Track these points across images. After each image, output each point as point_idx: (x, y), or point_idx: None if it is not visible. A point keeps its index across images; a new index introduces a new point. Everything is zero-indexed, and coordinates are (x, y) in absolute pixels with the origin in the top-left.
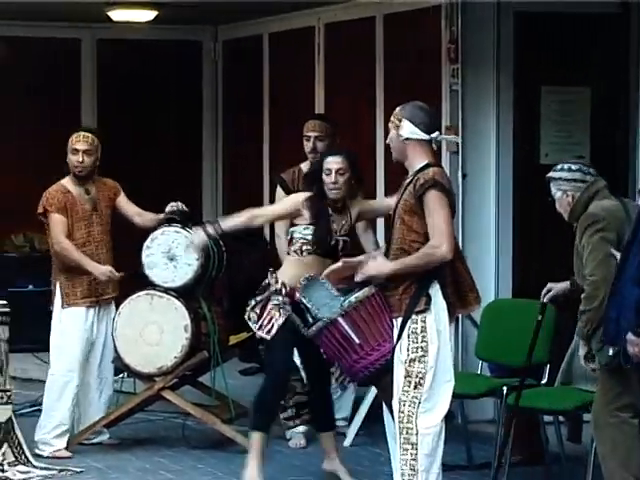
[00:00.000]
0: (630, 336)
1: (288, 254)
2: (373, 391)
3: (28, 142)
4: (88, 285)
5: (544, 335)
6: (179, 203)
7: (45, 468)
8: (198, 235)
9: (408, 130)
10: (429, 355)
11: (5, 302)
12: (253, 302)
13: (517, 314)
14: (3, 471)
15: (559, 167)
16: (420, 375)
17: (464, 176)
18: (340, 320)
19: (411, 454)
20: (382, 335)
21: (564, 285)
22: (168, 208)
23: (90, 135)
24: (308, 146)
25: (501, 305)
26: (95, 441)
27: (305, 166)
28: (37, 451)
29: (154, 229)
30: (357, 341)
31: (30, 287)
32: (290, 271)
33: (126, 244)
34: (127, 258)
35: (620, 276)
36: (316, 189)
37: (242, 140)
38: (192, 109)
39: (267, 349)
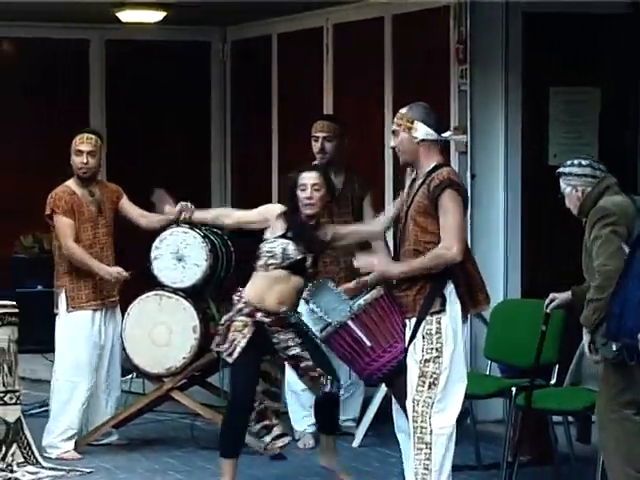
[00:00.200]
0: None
1: (255, 270)
2: (381, 392)
3: (36, 143)
4: (93, 288)
5: (553, 336)
6: (188, 203)
7: (54, 468)
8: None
9: (423, 131)
10: (444, 356)
11: (14, 303)
12: (222, 321)
13: (526, 314)
14: (12, 471)
15: (569, 162)
16: (434, 375)
17: (473, 176)
18: (350, 323)
19: (425, 454)
20: (393, 336)
21: (566, 295)
22: (177, 208)
23: (94, 136)
24: (316, 146)
25: (510, 305)
26: (104, 442)
27: None
28: (45, 454)
29: (162, 230)
30: (368, 344)
31: (39, 288)
32: (257, 287)
33: (132, 246)
34: (133, 260)
35: (625, 273)
36: (290, 205)
37: (251, 140)
38: (201, 110)
39: (230, 373)
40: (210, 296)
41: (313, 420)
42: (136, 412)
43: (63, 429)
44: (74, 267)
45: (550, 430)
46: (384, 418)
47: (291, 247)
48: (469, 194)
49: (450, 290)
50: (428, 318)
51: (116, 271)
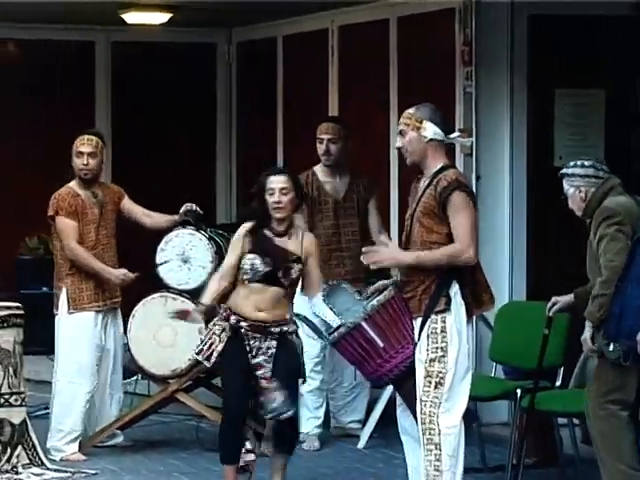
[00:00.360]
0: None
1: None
2: (387, 394)
3: (41, 144)
4: (95, 289)
5: (557, 338)
6: (193, 205)
7: (59, 470)
8: (195, 319)
9: (432, 131)
10: (449, 355)
11: (19, 304)
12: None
13: (531, 317)
14: (17, 473)
15: (572, 163)
16: (440, 375)
17: (478, 178)
18: (364, 324)
19: (435, 455)
20: (405, 337)
21: (568, 298)
22: (182, 210)
23: (94, 138)
24: (321, 148)
25: (515, 307)
26: (109, 443)
27: (319, 169)
28: (50, 457)
29: (167, 230)
30: (381, 344)
31: (44, 289)
32: (235, 297)
33: (136, 247)
34: (138, 261)
35: (625, 275)
36: (260, 210)
37: (256, 142)
38: (206, 111)
39: (222, 383)
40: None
41: (318, 422)
42: (141, 414)
43: (66, 432)
44: (76, 268)
45: (555, 432)
46: (389, 420)
47: (258, 261)
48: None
49: (455, 290)
50: (433, 317)
51: (122, 273)
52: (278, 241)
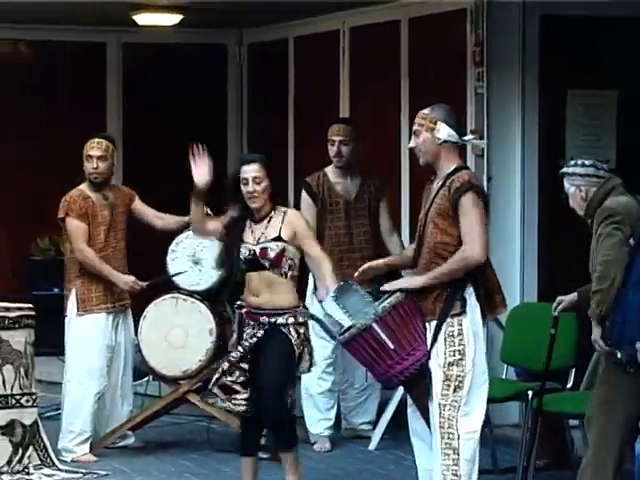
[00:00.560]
0: (639, 345)
1: None
2: (398, 395)
3: (53, 145)
4: (104, 291)
5: (567, 339)
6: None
7: (70, 471)
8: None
9: (446, 132)
10: (466, 358)
11: (31, 305)
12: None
13: (543, 318)
14: (29, 474)
15: (572, 162)
16: (459, 378)
17: (489, 179)
18: (375, 326)
19: (453, 459)
20: (416, 340)
21: (572, 297)
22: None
23: (104, 141)
24: (333, 150)
25: (526, 309)
26: (120, 444)
27: (330, 170)
28: (61, 458)
29: (178, 232)
30: (391, 346)
31: (55, 290)
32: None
33: (148, 249)
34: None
35: (626, 280)
36: (236, 200)
37: (267, 144)
38: (217, 112)
39: None
40: (226, 299)
41: (329, 423)
42: (152, 415)
43: (77, 432)
44: (85, 270)
45: (566, 434)
46: (400, 421)
47: (242, 250)
48: (489, 201)
49: (470, 292)
50: (449, 320)
51: (131, 280)
52: (256, 227)
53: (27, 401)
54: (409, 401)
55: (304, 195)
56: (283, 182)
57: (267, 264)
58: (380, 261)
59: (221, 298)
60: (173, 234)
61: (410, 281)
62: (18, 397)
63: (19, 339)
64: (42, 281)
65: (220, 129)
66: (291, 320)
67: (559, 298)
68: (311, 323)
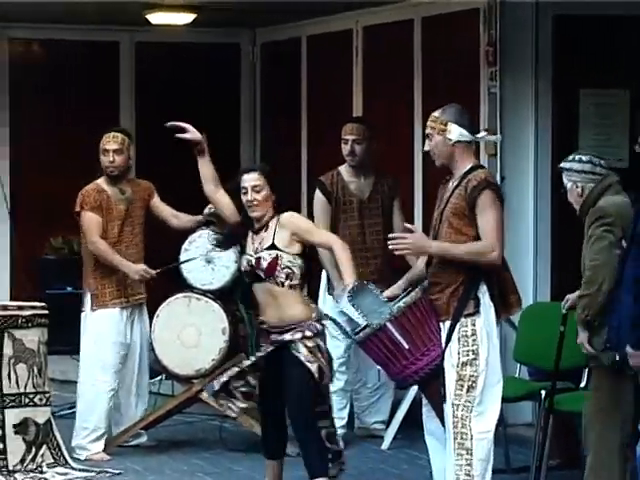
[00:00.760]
0: (629, 349)
1: None
2: (411, 394)
3: (67, 144)
4: (118, 286)
5: None
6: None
7: (83, 470)
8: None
9: (457, 133)
10: (480, 358)
11: (44, 304)
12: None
13: (555, 318)
14: (42, 472)
15: (570, 158)
16: (472, 378)
17: (502, 179)
18: (389, 326)
19: (466, 459)
20: (431, 340)
21: (577, 294)
22: (206, 210)
23: (120, 135)
24: (346, 149)
25: (539, 308)
26: (133, 443)
27: (343, 169)
28: (75, 456)
29: (192, 231)
30: (406, 346)
31: (68, 289)
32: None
33: (164, 246)
34: (165, 261)
35: (618, 285)
36: (242, 210)
37: (280, 143)
38: (230, 111)
39: None
40: (239, 298)
41: (342, 423)
42: (165, 414)
43: (91, 430)
44: (99, 265)
45: (579, 433)
46: (413, 420)
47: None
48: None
49: (484, 292)
50: (463, 320)
51: (142, 269)
52: (256, 238)
53: (40, 400)
54: (424, 400)
55: (318, 194)
56: (296, 181)
57: (262, 274)
58: (399, 283)
59: (234, 297)
60: (187, 233)
61: (422, 243)
62: (31, 396)
63: (32, 338)
64: (55, 280)
65: (233, 128)
66: (298, 335)
67: (567, 296)
68: (326, 323)
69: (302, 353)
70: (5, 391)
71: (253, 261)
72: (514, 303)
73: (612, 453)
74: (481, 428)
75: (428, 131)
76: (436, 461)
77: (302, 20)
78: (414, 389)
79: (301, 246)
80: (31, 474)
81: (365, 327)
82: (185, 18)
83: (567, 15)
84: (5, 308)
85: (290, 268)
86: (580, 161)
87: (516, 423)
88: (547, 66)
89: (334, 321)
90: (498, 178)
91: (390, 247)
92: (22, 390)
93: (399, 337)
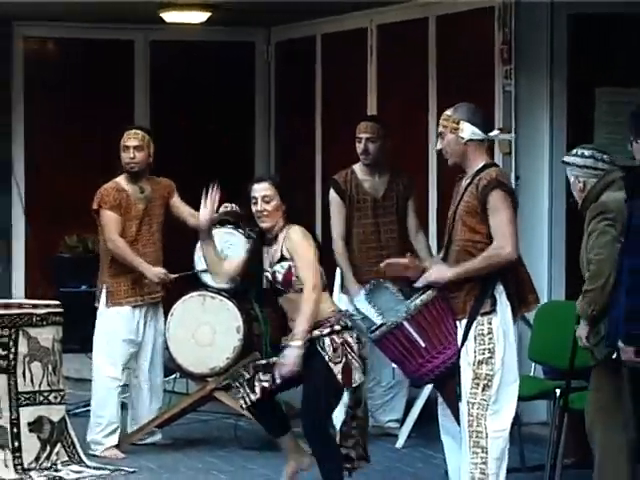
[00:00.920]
0: (620, 344)
1: None
2: (425, 393)
3: (81, 142)
4: (133, 284)
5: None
6: (232, 204)
7: (98, 468)
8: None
9: (469, 131)
10: (496, 357)
11: (58, 302)
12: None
13: (570, 316)
14: (57, 470)
15: (573, 152)
16: (488, 377)
17: (517, 178)
18: (406, 324)
19: (481, 458)
20: (447, 338)
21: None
22: (221, 209)
23: (140, 132)
24: (360, 148)
25: (554, 307)
26: (148, 441)
27: (358, 167)
28: (90, 451)
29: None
30: (422, 344)
31: (83, 287)
32: None
33: (180, 244)
34: (180, 259)
35: (616, 281)
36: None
37: (294, 141)
38: (244, 110)
39: None
40: (254, 297)
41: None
42: (180, 412)
43: (104, 424)
44: (115, 263)
45: None
46: (428, 419)
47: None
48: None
49: (500, 291)
50: (479, 319)
51: (161, 272)
52: (270, 251)
53: (55, 398)
54: (439, 399)
55: (332, 193)
56: (311, 180)
57: (280, 287)
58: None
59: (248, 296)
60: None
61: (441, 273)
62: (46, 394)
63: (47, 336)
64: (70, 278)
65: (248, 127)
66: (327, 330)
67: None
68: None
69: (327, 352)
70: (20, 389)
71: (270, 276)
72: (532, 302)
73: (618, 452)
74: (496, 427)
75: (440, 129)
76: (452, 460)
77: (317, 19)
78: (428, 387)
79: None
80: (46, 472)
81: (381, 325)
82: (200, 17)
83: (582, 14)
84: (20, 306)
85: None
86: (582, 156)
87: (531, 422)
88: (562, 65)
89: (350, 319)
90: (512, 177)
91: (417, 284)
92: (37, 388)
93: (415, 335)
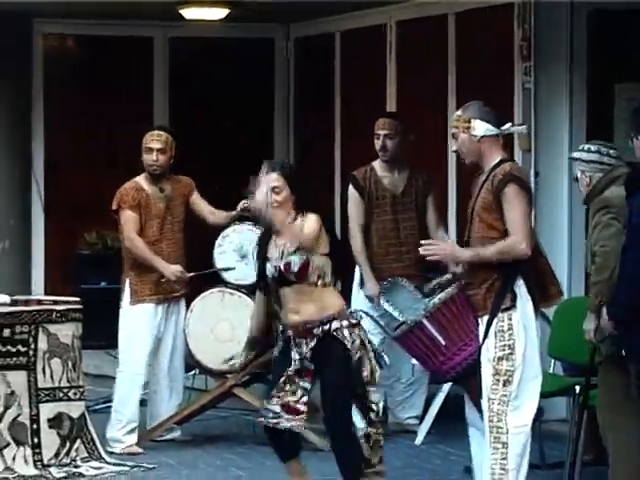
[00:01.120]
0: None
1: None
2: (445, 390)
3: (101, 140)
4: (156, 282)
5: None
6: None
7: (118, 464)
8: None
9: (482, 128)
10: (516, 353)
11: (78, 299)
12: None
13: None
14: (76, 467)
15: (580, 147)
16: (509, 373)
17: (536, 174)
18: (425, 322)
19: (502, 453)
20: (467, 335)
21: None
22: (240, 206)
23: (164, 134)
24: (378, 144)
25: (574, 304)
26: (167, 437)
27: (377, 164)
28: (109, 449)
29: (226, 227)
30: (443, 342)
31: (103, 284)
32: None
33: (199, 242)
34: (199, 256)
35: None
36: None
37: (314, 138)
38: (264, 107)
39: None
40: (273, 294)
41: None
42: (199, 408)
43: (125, 422)
44: (137, 261)
45: None
46: (447, 416)
47: (268, 266)
48: (532, 192)
49: (520, 286)
50: (499, 315)
51: (178, 270)
52: (279, 242)
53: (75, 394)
54: (467, 395)
55: (351, 189)
56: (330, 177)
57: (292, 278)
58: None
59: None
60: (222, 228)
61: (455, 252)
62: (66, 390)
63: (67, 332)
64: (89, 275)
65: (267, 123)
66: (345, 323)
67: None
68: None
69: (349, 341)
70: (40, 385)
71: (282, 266)
72: (555, 295)
73: (629, 452)
74: (517, 422)
75: (453, 131)
76: (477, 454)
77: (336, 15)
78: (448, 385)
79: (327, 244)
80: (65, 468)
81: (402, 324)
82: (219, 13)
83: (602, 10)
84: (40, 302)
85: (321, 269)
86: (588, 151)
87: (550, 419)
88: (582, 62)
89: (370, 316)
90: (532, 174)
91: (421, 252)
92: (56, 384)
93: (435, 333)
